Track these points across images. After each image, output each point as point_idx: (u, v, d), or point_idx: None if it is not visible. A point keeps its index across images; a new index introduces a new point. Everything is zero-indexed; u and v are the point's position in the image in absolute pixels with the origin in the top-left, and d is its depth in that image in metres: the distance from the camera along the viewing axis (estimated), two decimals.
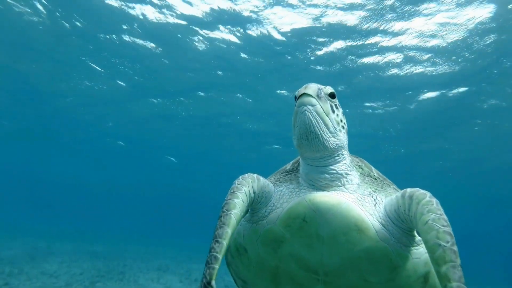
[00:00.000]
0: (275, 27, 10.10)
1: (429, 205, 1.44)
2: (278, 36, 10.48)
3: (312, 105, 1.54)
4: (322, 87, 1.64)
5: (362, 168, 1.86)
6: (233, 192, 1.70)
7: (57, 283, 7.52)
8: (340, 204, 1.59)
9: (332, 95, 1.65)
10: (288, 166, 2.05)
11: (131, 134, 21.51)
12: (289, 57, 11.44)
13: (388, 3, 8.52)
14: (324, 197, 1.62)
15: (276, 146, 19.96)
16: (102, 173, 35.53)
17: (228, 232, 1.58)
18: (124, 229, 34.97)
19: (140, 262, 12.17)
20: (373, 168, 1.94)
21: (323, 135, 1.57)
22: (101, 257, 12.13)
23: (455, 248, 1.32)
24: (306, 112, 1.54)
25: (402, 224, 1.57)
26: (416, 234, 1.61)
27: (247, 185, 1.73)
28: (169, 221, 57.70)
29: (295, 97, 1.66)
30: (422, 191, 1.53)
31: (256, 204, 1.81)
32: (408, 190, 1.57)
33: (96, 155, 27.88)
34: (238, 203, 1.66)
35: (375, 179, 1.83)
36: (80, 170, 35.24)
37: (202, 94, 14.88)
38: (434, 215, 1.40)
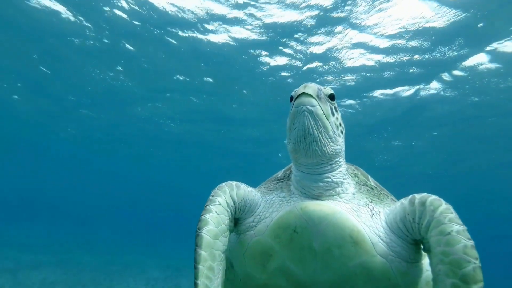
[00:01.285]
0: None
1: (449, 214, 1.33)
2: None
3: (312, 106, 1.43)
4: (322, 87, 1.53)
5: (358, 177, 1.77)
6: (207, 206, 1.60)
7: None
8: (334, 213, 1.49)
9: (331, 97, 1.55)
10: (280, 173, 1.95)
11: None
12: None
13: None
14: (317, 206, 1.52)
15: None
16: (88, 184, 35.01)
17: (201, 254, 1.48)
18: (111, 239, 34.31)
19: (128, 275, 11.86)
20: (369, 176, 1.85)
21: (322, 139, 1.47)
22: (87, 270, 11.77)
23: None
24: (306, 112, 1.43)
25: (406, 235, 1.46)
26: (421, 246, 1.50)
27: (223, 195, 1.64)
28: (156, 230, 56.94)
29: (291, 97, 1.54)
30: (434, 196, 1.41)
31: (241, 214, 1.71)
32: (417, 196, 1.46)
33: (81, 165, 27.51)
34: (211, 217, 1.56)
35: (372, 188, 1.72)
36: (67, 182, 34.66)
37: None
38: (458, 226, 1.29)
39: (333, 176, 1.57)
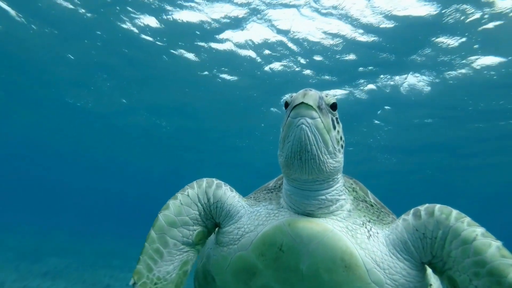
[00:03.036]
0: None
1: (464, 218, 1.21)
2: None
3: (312, 118, 1.25)
4: (323, 94, 1.34)
5: (356, 192, 1.61)
6: (177, 193, 1.59)
7: None
8: (325, 232, 1.34)
9: (334, 106, 1.37)
10: (271, 183, 1.82)
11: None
12: None
13: None
14: (307, 223, 1.38)
15: None
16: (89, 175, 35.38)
17: (151, 234, 1.52)
18: (112, 231, 34.67)
19: (127, 271, 11.96)
20: (369, 192, 1.70)
21: (321, 156, 1.29)
22: (88, 267, 11.90)
23: None
24: (304, 126, 1.24)
25: (412, 258, 1.33)
26: (427, 268, 1.37)
27: (196, 188, 1.59)
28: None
29: (286, 102, 1.38)
30: (448, 207, 1.28)
31: (219, 218, 1.63)
32: (421, 208, 1.33)
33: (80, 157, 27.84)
34: (173, 204, 1.56)
35: (371, 205, 1.57)
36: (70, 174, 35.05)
37: None
38: (480, 229, 1.17)
39: (328, 193, 1.42)
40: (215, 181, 1.64)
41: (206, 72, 13.01)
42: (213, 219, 1.66)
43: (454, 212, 1.24)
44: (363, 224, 1.43)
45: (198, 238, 1.63)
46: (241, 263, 1.47)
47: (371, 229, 1.42)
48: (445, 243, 1.23)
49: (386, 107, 13.80)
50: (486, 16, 8.30)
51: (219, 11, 9.72)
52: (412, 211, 1.37)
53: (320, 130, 1.26)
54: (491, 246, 1.11)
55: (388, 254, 1.34)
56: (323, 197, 1.41)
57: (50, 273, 9.73)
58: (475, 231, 1.16)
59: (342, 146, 1.40)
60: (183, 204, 1.57)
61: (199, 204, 1.59)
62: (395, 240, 1.35)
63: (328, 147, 1.30)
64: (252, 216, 1.55)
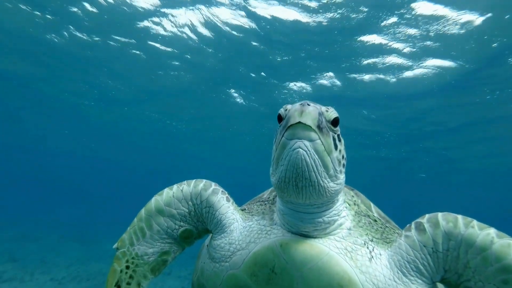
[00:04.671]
0: None
1: (472, 222, 1.12)
2: None
3: (311, 141, 1.09)
4: (324, 109, 1.17)
5: (357, 205, 1.47)
6: (174, 184, 1.60)
7: None
8: (320, 255, 1.23)
9: (335, 122, 1.19)
10: (265, 194, 1.73)
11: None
12: None
13: None
14: (301, 245, 1.26)
15: None
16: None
17: (141, 212, 1.58)
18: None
19: None
20: (372, 205, 1.55)
21: (320, 182, 1.14)
22: (107, 257, 12.47)
23: None
24: (301, 150, 1.08)
25: (420, 278, 1.20)
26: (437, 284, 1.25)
27: (192, 187, 1.56)
28: None
29: (279, 115, 1.21)
30: (451, 214, 1.18)
31: (208, 224, 1.59)
32: (423, 220, 1.21)
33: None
34: (166, 194, 1.57)
35: (375, 220, 1.42)
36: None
37: None
38: (492, 230, 1.09)
39: (326, 215, 1.29)
40: (213, 186, 1.57)
41: None
42: (204, 224, 1.61)
43: (460, 218, 1.14)
44: (364, 244, 1.28)
45: (184, 235, 1.61)
46: (234, 282, 1.39)
47: (373, 249, 1.28)
48: (460, 254, 1.12)
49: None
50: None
51: None
52: (413, 225, 1.24)
53: (320, 153, 1.11)
54: (510, 246, 1.02)
55: (392, 279, 1.21)
56: (320, 219, 1.28)
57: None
58: (489, 234, 1.07)
59: (343, 165, 1.24)
60: (175, 197, 1.56)
61: (190, 203, 1.56)
62: (401, 261, 1.22)
63: (329, 171, 1.15)
64: (244, 232, 1.44)
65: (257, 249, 1.35)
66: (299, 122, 1.09)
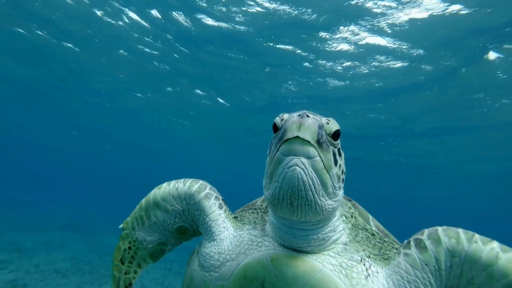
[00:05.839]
0: None
1: (474, 236, 1.07)
2: None
3: (309, 158, 1.00)
4: (324, 121, 1.08)
5: (355, 218, 1.40)
6: (173, 181, 1.61)
7: (68, 284, 8.01)
8: (313, 272, 1.17)
9: (336, 135, 1.11)
10: (259, 201, 1.67)
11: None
12: None
13: None
14: (293, 261, 1.20)
15: None
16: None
17: (142, 202, 1.64)
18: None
19: None
20: (370, 217, 1.48)
21: (317, 201, 1.06)
22: (110, 250, 12.66)
23: None
24: (297, 169, 1.00)
25: None
26: None
27: (187, 186, 1.56)
28: None
29: (275, 125, 1.13)
30: (451, 228, 1.12)
31: (198, 225, 1.59)
32: (423, 237, 1.14)
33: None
34: (164, 188, 1.60)
35: (372, 234, 1.36)
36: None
37: None
38: (495, 243, 1.05)
39: (321, 232, 1.22)
40: (207, 190, 1.53)
41: None
42: (197, 225, 1.61)
43: (461, 232, 1.09)
44: (361, 260, 1.21)
45: (180, 231, 1.65)
46: None
47: (370, 266, 1.20)
48: (463, 270, 1.06)
49: None
50: None
51: None
52: (412, 242, 1.16)
53: (319, 171, 1.02)
54: None
55: None
56: (314, 236, 1.21)
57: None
58: (494, 248, 1.02)
59: (343, 180, 1.16)
60: (170, 193, 1.57)
61: (184, 202, 1.57)
62: (400, 281, 1.15)
63: (327, 189, 1.07)
64: (234, 242, 1.38)
65: (246, 261, 1.29)
66: (297, 137, 1.00)
